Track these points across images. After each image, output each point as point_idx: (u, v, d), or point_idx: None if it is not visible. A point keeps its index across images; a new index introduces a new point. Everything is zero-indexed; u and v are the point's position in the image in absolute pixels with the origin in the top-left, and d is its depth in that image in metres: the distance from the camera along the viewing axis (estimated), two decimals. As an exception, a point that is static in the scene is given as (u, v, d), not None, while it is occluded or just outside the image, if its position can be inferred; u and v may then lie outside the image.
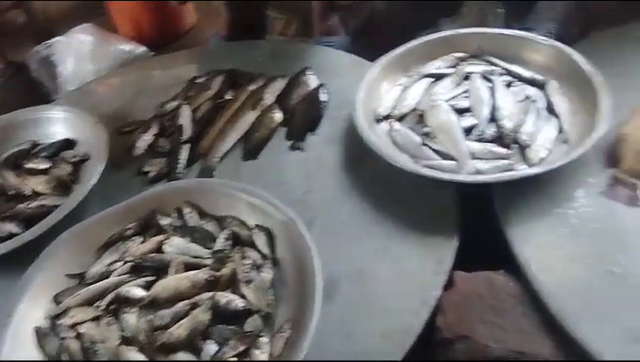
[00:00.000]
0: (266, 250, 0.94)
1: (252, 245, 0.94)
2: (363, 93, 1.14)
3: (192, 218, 0.99)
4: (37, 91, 1.77)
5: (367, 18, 1.70)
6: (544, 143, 1.02)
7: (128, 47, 1.82)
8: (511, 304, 0.86)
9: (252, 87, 1.28)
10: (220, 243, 0.94)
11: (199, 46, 1.87)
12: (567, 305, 0.82)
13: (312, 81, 1.27)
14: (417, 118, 1.13)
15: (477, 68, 1.19)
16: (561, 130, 1.04)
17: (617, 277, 0.84)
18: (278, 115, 1.22)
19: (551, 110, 1.09)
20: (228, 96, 1.30)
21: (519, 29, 1.23)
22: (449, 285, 0.90)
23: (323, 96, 1.23)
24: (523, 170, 0.96)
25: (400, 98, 1.17)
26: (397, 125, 1.11)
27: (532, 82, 1.15)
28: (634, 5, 1.36)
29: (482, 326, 0.85)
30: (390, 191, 1.04)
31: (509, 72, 1.17)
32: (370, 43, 1.62)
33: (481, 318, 0.86)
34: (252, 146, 1.18)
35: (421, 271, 0.92)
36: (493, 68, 1.18)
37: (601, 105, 1.01)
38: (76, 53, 1.75)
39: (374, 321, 0.88)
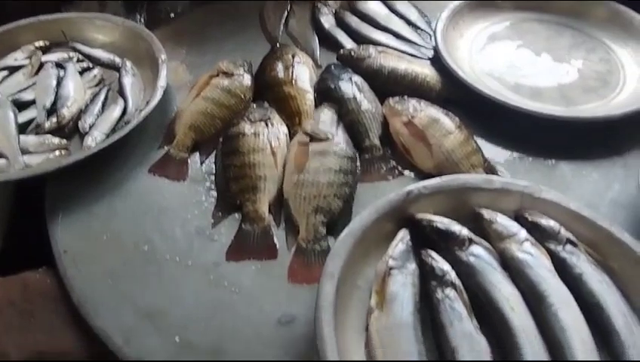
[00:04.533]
0: None
1: None
2: None
3: None
4: None
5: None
6: (103, 129, 0.99)
7: None
8: (42, 303, 0.82)
9: None
10: None
11: None
12: (93, 294, 0.80)
13: None
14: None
15: (54, 56, 1.13)
16: (124, 112, 1.02)
17: (146, 256, 0.84)
18: None
19: (123, 93, 1.06)
20: None
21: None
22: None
23: None
24: (60, 160, 0.92)
25: (-33, 97, 1.07)
26: (-44, 127, 1.01)
27: (112, 65, 1.12)
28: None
29: (8, 333, 0.79)
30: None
31: (89, 57, 1.13)
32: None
33: (9, 324, 0.80)
34: None
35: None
36: (74, 54, 1.13)
37: (157, 83, 1.01)
38: None
39: None
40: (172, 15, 1.52)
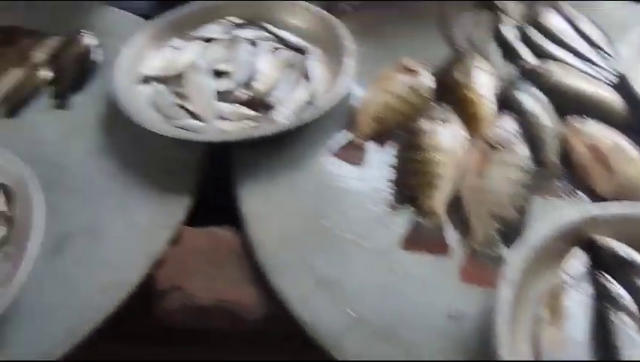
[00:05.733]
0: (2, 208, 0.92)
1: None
2: (128, 52, 1.14)
3: None
4: None
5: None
6: (290, 107, 1.06)
7: None
8: (228, 256, 0.90)
9: (21, 45, 1.24)
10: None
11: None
12: (274, 256, 0.87)
13: (87, 40, 1.24)
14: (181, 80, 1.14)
15: (248, 33, 1.21)
16: (313, 96, 1.09)
17: (325, 230, 0.90)
18: (45, 74, 1.19)
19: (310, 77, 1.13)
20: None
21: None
22: (176, 240, 0.92)
23: (96, 57, 1.21)
24: (257, 130, 1.00)
25: (169, 60, 1.18)
26: (160, 86, 1.12)
27: (297, 49, 1.19)
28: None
29: (196, 278, 0.87)
30: (141, 150, 1.04)
31: (277, 38, 1.21)
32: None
33: (198, 270, 0.88)
34: (12, 105, 1.15)
35: (151, 227, 0.93)
36: (264, 33, 1.21)
37: (345, 70, 1.07)
38: None
39: (96, 276, 0.88)
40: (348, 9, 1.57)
